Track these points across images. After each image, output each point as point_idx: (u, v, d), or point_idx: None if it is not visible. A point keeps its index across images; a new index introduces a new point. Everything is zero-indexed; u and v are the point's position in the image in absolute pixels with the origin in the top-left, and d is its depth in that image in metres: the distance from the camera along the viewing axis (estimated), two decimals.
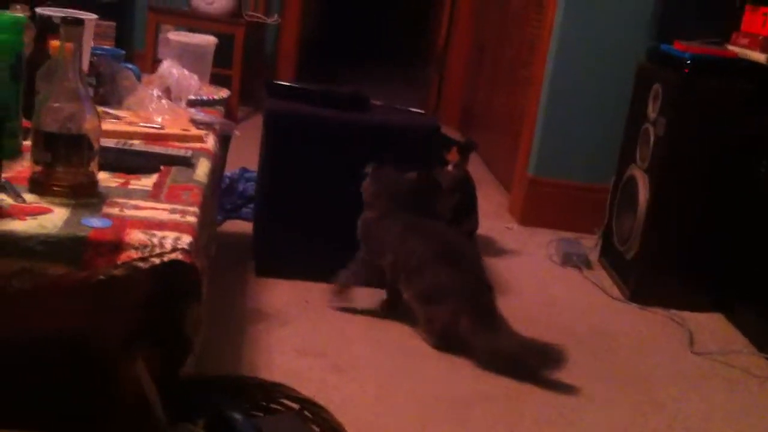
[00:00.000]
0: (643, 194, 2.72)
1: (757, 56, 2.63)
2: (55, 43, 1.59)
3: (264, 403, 1.59)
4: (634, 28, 3.14)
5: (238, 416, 1.49)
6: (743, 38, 2.76)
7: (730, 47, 2.78)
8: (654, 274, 2.72)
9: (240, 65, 4.20)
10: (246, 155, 2.94)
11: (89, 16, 1.98)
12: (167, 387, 1.40)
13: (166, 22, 4.30)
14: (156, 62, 4.32)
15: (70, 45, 1.39)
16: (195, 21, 4.19)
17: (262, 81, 4.58)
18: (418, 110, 2.55)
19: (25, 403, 1.33)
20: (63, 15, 1.39)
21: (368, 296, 2.42)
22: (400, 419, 1.85)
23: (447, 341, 2.19)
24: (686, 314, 2.64)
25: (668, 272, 2.71)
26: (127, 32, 4.60)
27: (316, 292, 2.41)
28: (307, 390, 1.73)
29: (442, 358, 2.16)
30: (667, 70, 2.71)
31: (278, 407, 1.59)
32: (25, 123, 1.64)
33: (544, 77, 3.30)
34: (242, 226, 2.81)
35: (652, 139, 2.70)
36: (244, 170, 3.04)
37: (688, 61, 2.62)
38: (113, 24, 4.35)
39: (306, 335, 2.16)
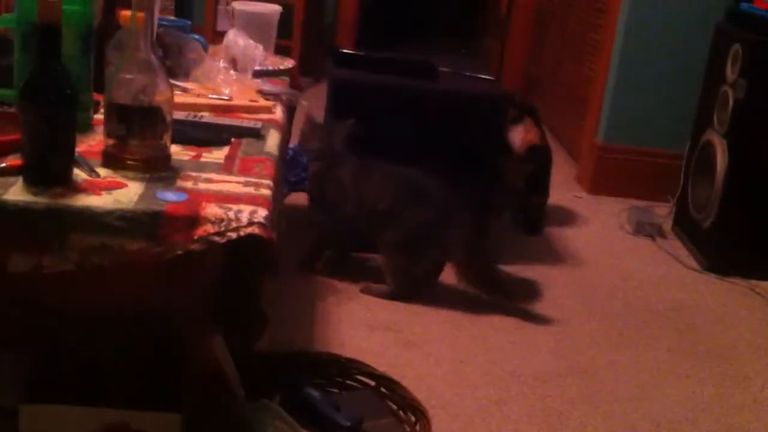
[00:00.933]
0: (721, 160, 2.61)
1: None
2: (125, 13, 1.56)
3: (340, 379, 1.57)
4: None
5: (315, 393, 1.47)
6: None
7: None
8: (732, 243, 2.62)
9: (300, 35, 4.16)
10: None
11: None
12: (244, 362, 1.38)
13: None
14: (217, 34, 4.31)
15: (141, 15, 1.35)
16: None
17: (322, 51, 4.56)
18: (486, 76, 2.47)
19: (105, 380, 1.32)
20: None
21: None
22: (477, 395, 1.81)
23: (414, 290, 2.19)
24: (766, 284, 2.54)
25: (747, 241, 2.62)
26: (186, 4, 4.59)
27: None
28: (380, 366, 1.71)
29: (517, 332, 2.10)
30: (748, 30, 2.59)
31: (354, 383, 1.56)
32: (96, 95, 1.62)
33: (614, 41, 3.19)
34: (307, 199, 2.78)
35: (731, 102, 2.59)
36: None
37: None
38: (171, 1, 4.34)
39: (376, 309, 2.13)
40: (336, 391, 1.55)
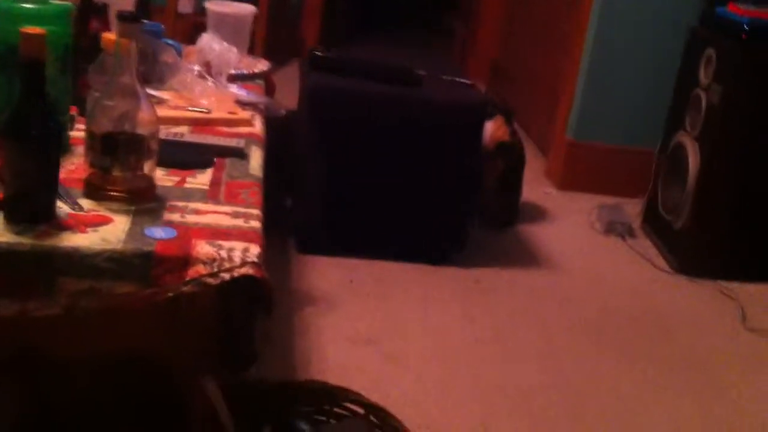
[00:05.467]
0: (693, 163, 2.62)
1: None
2: (108, 36, 1.50)
3: (328, 408, 1.54)
4: None
5: (304, 425, 1.45)
6: None
7: None
8: (703, 244, 2.64)
9: (265, 21, 4.07)
10: None
11: None
12: (231, 396, 1.35)
13: None
14: (178, 16, 4.20)
15: (126, 42, 1.30)
16: None
17: (289, 34, 4.48)
18: (466, 81, 2.44)
19: (99, 423, 1.28)
20: (119, 13, 1.29)
21: (411, 273, 2.36)
22: (462, 412, 1.80)
23: None
24: (736, 286, 2.57)
25: (718, 243, 2.64)
26: None
27: (360, 270, 2.34)
28: (363, 382, 1.69)
29: (498, 343, 2.10)
30: (722, 34, 2.60)
31: (343, 412, 1.54)
32: (72, 108, 1.57)
33: (586, 34, 3.17)
34: None
35: (704, 106, 2.59)
36: None
37: (746, 26, 2.51)
38: None
39: (356, 320, 2.10)
40: (324, 419, 1.53)
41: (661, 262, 2.73)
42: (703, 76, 2.61)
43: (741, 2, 2.60)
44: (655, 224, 2.89)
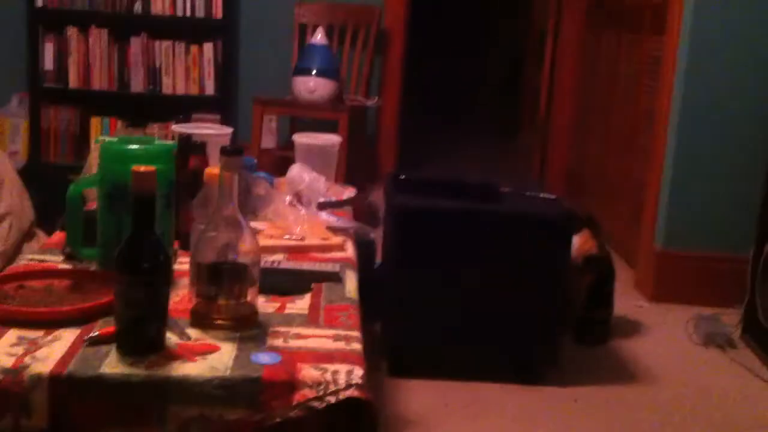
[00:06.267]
0: None
1: None
2: (212, 170, 1.57)
3: None
4: (765, 85, 3.00)
5: None
6: None
7: None
8: None
9: (345, 151, 4.19)
10: None
11: (224, 131, 1.98)
12: None
13: (270, 112, 4.35)
14: (262, 151, 4.37)
15: (230, 175, 1.36)
16: (298, 110, 4.22)
17: (364, 162, 4.61)
18: (549, 195, 2.46)
19: None
20: (223, 148, 1.36)
21: (506, 393, 2.32)
22: None
23: None
24: None
25: None
26: (231, 123, 4.67)
27: (454, 391, 2.31)
28: None
29: None
30: None
31: None
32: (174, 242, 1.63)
33: (666, 145, 3.18)
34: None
35: None
36: None
37: None
38: (218, 117, 4.44)
39: None
40: None
41: (765, 373, 2.62)
42: None
43: None
44: (755, 333, 2.80)
